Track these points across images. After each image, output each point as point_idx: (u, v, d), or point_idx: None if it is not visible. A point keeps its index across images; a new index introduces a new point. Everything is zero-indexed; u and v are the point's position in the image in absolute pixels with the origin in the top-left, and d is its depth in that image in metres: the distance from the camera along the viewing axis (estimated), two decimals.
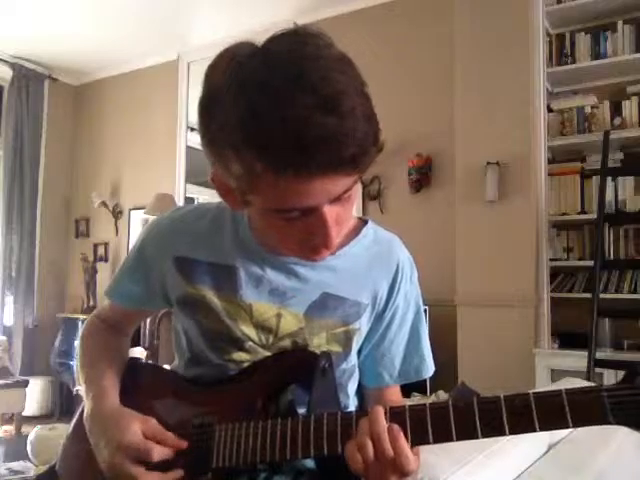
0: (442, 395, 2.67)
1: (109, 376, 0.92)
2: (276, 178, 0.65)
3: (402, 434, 0.67)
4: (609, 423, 0.61)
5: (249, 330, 0.87)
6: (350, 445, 0.69)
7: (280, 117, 0.62)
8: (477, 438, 0.66)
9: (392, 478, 0.68)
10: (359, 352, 0.94)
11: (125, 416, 0.82)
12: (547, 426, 0.64)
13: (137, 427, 0.80)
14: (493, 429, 0.65)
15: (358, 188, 0.75)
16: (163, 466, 0.79)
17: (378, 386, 0.95)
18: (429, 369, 0.96)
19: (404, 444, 0.67)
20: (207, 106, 0.70)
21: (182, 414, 0.85)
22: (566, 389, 0.64)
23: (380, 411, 0.69)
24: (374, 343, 0.93)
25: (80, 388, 3.96)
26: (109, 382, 0.91)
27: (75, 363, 4.49)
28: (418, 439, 0.68)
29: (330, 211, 0.70)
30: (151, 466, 0.79)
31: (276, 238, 0.79)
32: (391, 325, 0.93)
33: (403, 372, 0.94)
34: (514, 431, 0.65)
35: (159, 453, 0.79)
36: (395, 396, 0.96)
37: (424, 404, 0.69)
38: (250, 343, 0.87)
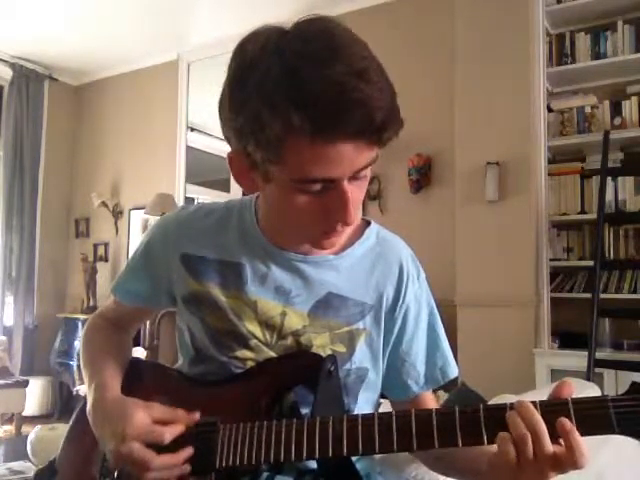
0: (442, 395, 2.66)
1: (111, 369, 0.92)
2: (312, 138, 0.67)
3: (575, 428, 0.62)
4: (614, 433, 0.61)
5: (254, 328, 0.87)
6: (503, 440, 0.64)
7: (320, 78, 0.66)
8: (483, 444, 0.66)
9: (552, 474, 0.64)
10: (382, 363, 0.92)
11: (129, 405, 0.81)
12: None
13: (142, 414, 0.79)
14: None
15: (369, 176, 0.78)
16: (173, 448, 0.78)
17: (408, 397, 0.93)
18: (454, 369, 0.94)
19: (579, 438, 0.62)
20: (241, 74, 0.72)
21: None
22: (572, 399, 0.64)
23: (529, 404, 0.65)
24: (392, 349, 0.92)
25: (80, 388, 3.92)
26: (111, 373, 0.91)
27: (77, 362, 4.49)
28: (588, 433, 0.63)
29: (349, 188, 0.73)
30: (162, 449, 0.77)
31: (290, 220, 0.80)
32: (405, 327, 0.91)
33: (429, 376, 0.92)
34: None
35: (169, 435, 0.77)
36: (432, 403, 0.94)
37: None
38: (255, 341, 0.87)
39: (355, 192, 0.75)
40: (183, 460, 0.77)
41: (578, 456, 0.61)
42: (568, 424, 0.62)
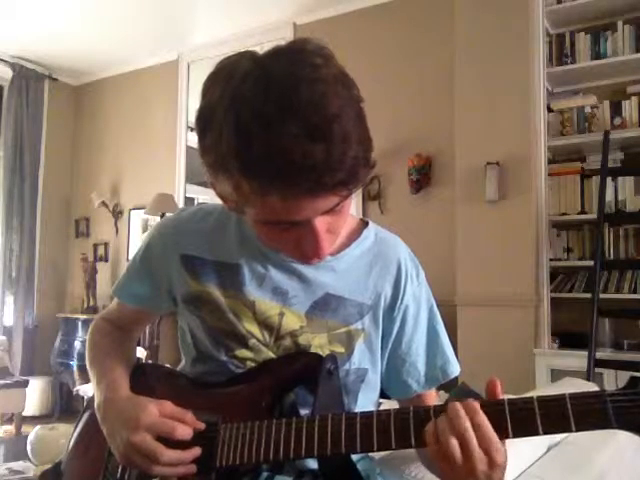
0: (442, 395, 2.66)
1: (120, 370, 0.93)
2: (263, 200, 0.68)
3: (484, 417, 0.65)
4: (612, 428, 0.62)
5: (252, 327, 0.88)
6: (430, 435, 0.66)
7: (268, 142, 0.63)
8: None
9: (480, 467, 0.65)
10: (381, 363, 0.93)
11: (142, 399, 0.83)
12: (550, 430, 0.64)
13: (154, 409, 0.80)
14: (497, 432, 0.65)
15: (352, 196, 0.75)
16: (181, 446, 0.78)
17: (408, 396, 0.93)
18: (455, 368, 0.94)
19: (487, 425, 0.64)
20: (203, 123, 0.71)
21: None
22: (570, 394, 0.64)
23: (457, 405, 0.66)
24: (391, 349, 0.92)
25: (80, 388, 3.92)
26: (120, 375, 0.92)
27: (77, 362, 4.49)
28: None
29: (321, 222, 0.72)
30: (170, 445, 0.78)
31: (268, 244, 0.83)
32: (404, 326, 0.92)
33: (429, 375, 0.92)
34: (517, 434, 0.65)
35: (182, 431, 0.78)
36: (432, 401, 0.94)
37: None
38: (253, 341, 0.88)
39: (330, 222, 0.74)
40: (191, 458, 0.78)
41: (492, 443, 0.64)
42: (476, 404, 0.66)
